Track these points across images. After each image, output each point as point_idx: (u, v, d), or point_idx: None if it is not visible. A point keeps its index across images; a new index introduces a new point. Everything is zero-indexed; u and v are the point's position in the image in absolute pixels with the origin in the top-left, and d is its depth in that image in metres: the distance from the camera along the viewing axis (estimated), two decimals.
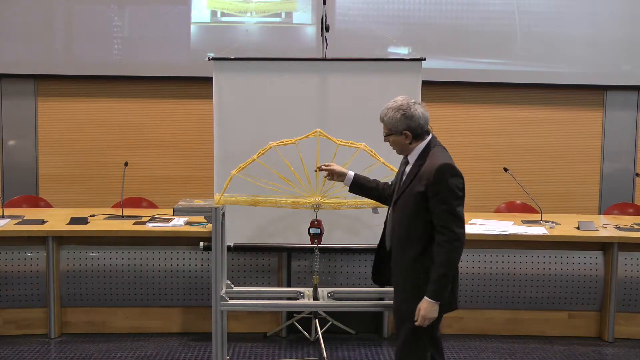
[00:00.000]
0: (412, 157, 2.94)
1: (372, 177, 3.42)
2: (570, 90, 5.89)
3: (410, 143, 2.91)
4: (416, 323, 2.81)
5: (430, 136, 2.94)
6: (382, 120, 2.94)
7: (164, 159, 5.85)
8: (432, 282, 2.78)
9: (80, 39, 5.70)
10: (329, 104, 4.18)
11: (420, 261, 2.85)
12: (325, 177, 3.32)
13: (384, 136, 2.97)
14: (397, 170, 3.38)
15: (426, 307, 2.78)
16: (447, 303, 2.88)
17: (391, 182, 3.21)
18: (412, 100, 2.91)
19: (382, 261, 3.13)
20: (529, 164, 5.88)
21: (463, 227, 2.81)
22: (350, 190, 3.27)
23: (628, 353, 4.30)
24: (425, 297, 2.79)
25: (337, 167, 3.25)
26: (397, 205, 2.94)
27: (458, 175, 2.81)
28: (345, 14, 5.65)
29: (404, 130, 2.89)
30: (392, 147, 3.00)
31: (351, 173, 3.23)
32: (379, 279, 3.17)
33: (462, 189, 2.82)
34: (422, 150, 2.92)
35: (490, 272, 4.46)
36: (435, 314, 2.80)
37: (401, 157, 3.16)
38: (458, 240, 2.78)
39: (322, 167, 3.28)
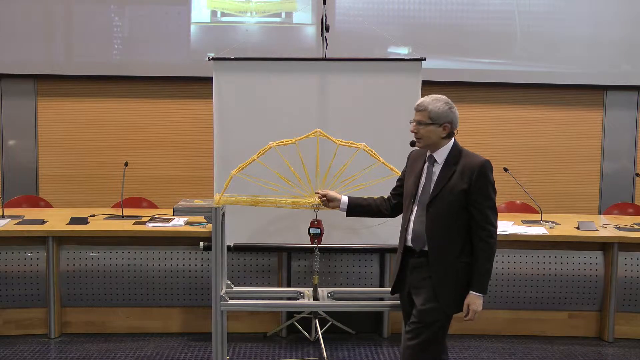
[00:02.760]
0: (441, 156, 2.95)
1: (371, 177, 3.43)
2: (570, 90, 5.89)
3: (443, 138, 2.94)
4: (466, 318, 2.86)
5: (454, 138, 3.01)
6: (424, 108, 2.92)
7: (164, 159, 5.85)
8: (480, 276, 2.86)
9: (80, 39, 5.70)
10: (329, 104, 4.18)
11: (459, 260, 2.89)
12: (321, 203, 3.31)
13: (421, 124, 2.92)
14: (396, 170, 3.39)
15: (476, 302, 2.85)
16: (460, 303, 2.90)
17: (398, 180, 3.20)
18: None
19: (405, 268, 3.06)
20: (529, 164, 5.88)
21: (494, 232, 2.92)
22: (347, 215, 3.26)
23: (628, 353, 4.30)
24: (473, 292, 2.86)
25: (331, 193, 3.26)
26: (434, 204, 2.90)
27: (491, 171, 2.95)
28: (345, 14, 5.65)
29: (446, 123, 2.92)
30: (417, 138, 2.96)
31: (345, 198, 3.22)
32: (401, 287, 3.08)
33: (494, 187, 2.95)
34: (451, 149, 2.96)
35: None
36: (481, 307, 2.88)
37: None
38: (496, 234, 2.90)
39: (318, 192, 3.30)
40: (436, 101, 2.93)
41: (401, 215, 3.10)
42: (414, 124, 2.96)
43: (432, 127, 2.93)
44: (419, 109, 2.95)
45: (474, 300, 2.86)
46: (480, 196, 2.87)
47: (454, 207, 2.88)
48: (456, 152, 2.97)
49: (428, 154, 3.01)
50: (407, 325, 3.01)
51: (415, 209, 2.97)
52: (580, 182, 5.99)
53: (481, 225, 2.86)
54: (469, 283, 2.87)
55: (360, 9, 5.67)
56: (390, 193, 3.24)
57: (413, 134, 2.98)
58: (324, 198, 3.25)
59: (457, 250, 2.90)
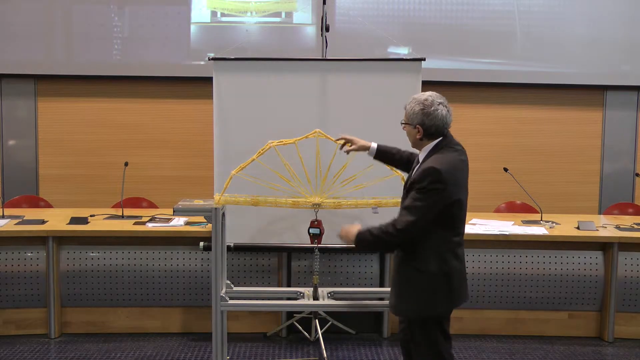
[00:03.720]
0: (421, 156, 2.92)
1: (371, 177, 3.43)
2: (570, 90, 5.89)
3: (421, 139, 2.89)
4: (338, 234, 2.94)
5: (441, 138, 2.88)
6: (405, 107, 2.94)
7: (164, 159, 5.85)
8: (369, 232, 2.83)
9: (80, 39, 5.70)
10: (329, 104, 4.18)
11: (409, 265, 2.83)
12: (342, 148, 3.33)
13: (401, 123, 2.96)
14: (396, 170, 3.39)
15: (351, 230, 2.89)
16: (450, 299, 2.85)
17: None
18: (440, 100, 2.86)
19: None
20: (529, 164, 5.88)
21: (408, 231, 2.74)
22: (375, 158, 3.31)
23: (628, 353, 4.30)
24: (359, 229, 2.87)
25: (356, 139, 3.29)
26: (402, 204, 2.92)
27: (441, 182, 2.71)
28: (345, 14, 5.65)
29: (417, 124, 2.86)
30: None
31: (374, 145, 3.26)
32: None
33: (438, 198, 2.73)
34: (429, 151, 2.87)
35: (490, 272, 4.46)
36: (348, 237, 2.90)
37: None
38: (397, 237, 2.76)
39: (341, 137, 3.32)
40: (412, 101, 2.89)
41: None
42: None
43: (408, 128, 2.92)
44: (404, 110, 2.94)
45: (351, 229, 2.88)
46: (411, 194, 2.79)
47: (429, 223, 2.79)
48: (430, 155, 2.85)
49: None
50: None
51: None
52: (580, 182, 5.98)
53: (399, 216, 2.79)
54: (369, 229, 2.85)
55: (360, 9, 5.67)
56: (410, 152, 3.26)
57: None
58: (345, 142, 3.29)
59: (407, 254, 2.84)
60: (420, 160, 2.90)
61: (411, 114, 2.87)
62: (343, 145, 3.34)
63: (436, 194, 2.72)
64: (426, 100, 2.85)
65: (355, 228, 2.88)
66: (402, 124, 2.95)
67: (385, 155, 3.27)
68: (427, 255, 2.80)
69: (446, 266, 2.80)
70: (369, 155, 3.29)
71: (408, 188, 2.85)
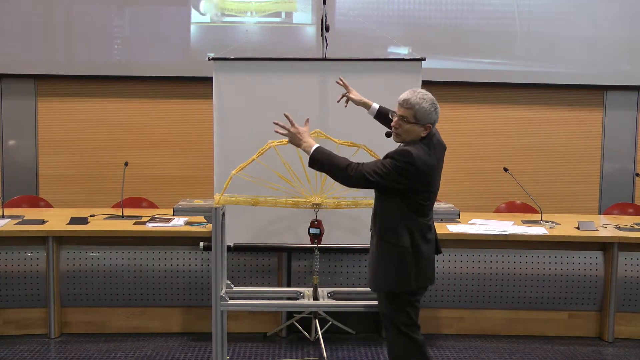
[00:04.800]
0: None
1: None
2: (570, 90, 5.89)
3: (423, 137, 2.94)
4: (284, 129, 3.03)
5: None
6: (411, 106, 2.89)
7: (164, 159, 5.85)
8: (326, 154, 2.93)
9: (80, 39, 5.70)
10: (329, 104, 4.18)
11: (384, 240, 2.97)
12: (339, 100, 3.45)
13: (404, 121, 2.92)
14: None
15: (305, 138, 3.01)
16: (420, 276, 2.98)
17: None
18: None
19: None
20: (529, 164, 5.88)
21: (361, 180, 2.87)
22: (375, 117, 3.41)
23: (628, 353, 4.30)
24: (314, 144, 2.97)
25: (356, 96, 3.40)
26: (377, 192, 3.04)
27: (408, 162, 2.83)
28: (345, 14, 5.65)
29: (429, 123, 2.92)
30: (397, 133, 2.97)
31: (375, 105, 3.36)
32: None
33: (399, 174, 2.84)
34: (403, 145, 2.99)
35: (490, 272, 4.46)
36: (297, 143, 3.02)
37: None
38: (349, 179, 2.88)
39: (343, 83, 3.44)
40: (423, 101, 2.90)
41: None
42: (397, 118, 2.95)
43: (415, 127, 2.92)
44: (406, 106, 2.91)
45: (306, 139, 2.99)
46: (383, 159, 2.90)
47: (381, 189, 2.94)
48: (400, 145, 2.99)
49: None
50: None
51: None
52: (580, 182, 5.99)
53: (357, 164, 2.89)
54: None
55: (360, 9, 5.67)
56: None
57: (392, 126, 2.99)
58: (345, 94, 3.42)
59: (384, 231, 2.98)
60: None
61: (424, 114, 2.90)
62: (342, 97, 3.45)
63: (405, 173, 2.84)
64: (433, 100, 2.93)
65: (312, 141, 2.99)
66: (406, 121, 2.91)
67: (385, 117, 3.32)
68: (401, 231, 2.94)
69: (416, 244, 2.96)
70: (369, 114, 3.40)
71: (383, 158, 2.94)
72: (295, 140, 3.03)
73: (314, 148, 2.95)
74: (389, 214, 2.96)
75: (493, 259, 4.47)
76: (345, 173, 2.88)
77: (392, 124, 2.98)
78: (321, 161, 2.93)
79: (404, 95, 2.93)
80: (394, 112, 3.07)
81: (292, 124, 3.04)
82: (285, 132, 3.04)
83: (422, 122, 2.90)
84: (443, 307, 4.48)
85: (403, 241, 2.94)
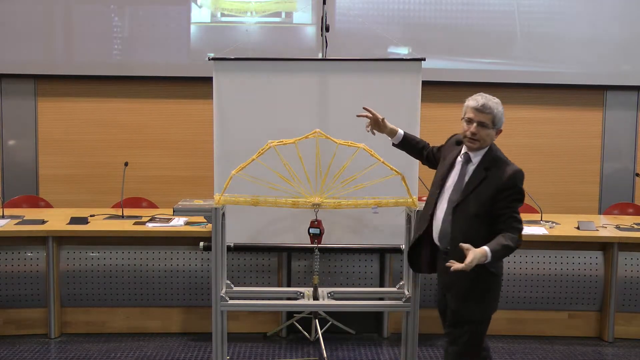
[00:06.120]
0: (477, 157, 2.95)
1: (371, 177, 3.43)
2: (570, 90, 5.89)
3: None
4: (460, 267, 2.70)
5: None
6: (490, 111, 2.89)
7: (164, 159, 5.85)
8: (501, 247, 2.77)
9: (80, 39, 5.70)
10: (329, 104, 4.18)
11: (482, 267, 2.81)
12: (367, 126, 3.29)
13: (483, 127, 2.90)
14: (396, 170, 3.39)
15: (479, 257, 2.72)
16: (495, 305, 3.02)
17: (437, 149, 3.23)
18: None
19: (419, 248, 3.13)
20: (529, 163, 5.84)
21: (520, 237, 2.89)
22: (397, 144, 3.31)
23: (628, 353, 4.30)
24: (487, 251, 2.74)
25: (387, 124, 3.26)
26: (462, 206, 2.90)
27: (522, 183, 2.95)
28: (345, 14, 5.65)
29: (501, 127, 2.94)
30: (474, 139, 2.91)
31: (401, 132, 3.26)
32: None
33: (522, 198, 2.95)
34: (487, 152, 2.95)
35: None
36: (475, 263, 2.73)
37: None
38: (519, 245, 2.86)
39: (366, 109, 3.27)
40: (498, 105, 2.92)
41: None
42: (475, 125, 2.90)
43: (491, 131, 2.92)
44: (485, 111, 2.89)
45: (480, 254, 2.72)
46: (510, 202, 2.86)
47: (480, 213, 2.86)
48: (491, 156, 2.94)
49: (463, 151, 2.99)
50: (445, 327, 3.07)
51: (443, 205, 2.98)
52: (580, 182, 5.98)
53: (511, 226, 2.84)
54: (489, 244, 2.78)
55: (360, 9, 5.67)
56: (431, 148, 3.27)
57: (470, 133, 2.91)
58: (372, 121, 3.25)
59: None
60: (476, 162, 2.94)
61: (500, 118, 2.92)
62: (369, 124, 3.29)
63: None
64: (500, 102, 2.94)
65: (480, 251, 2.74)
66: (485, 126, 2.89)
67: (408, 143, 3.28)
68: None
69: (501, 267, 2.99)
70: (392, 140, 3.30)
71: (499, 189, 2.85)
72: (476, 261, 2.75)
73: (489, 254, 2.76)
74: (487, 239, 2.85)
75: None
76: (516, 247, 2.83)
77: (471, 129, 2.90)
78: (499, 258, 2.86)
79: (481, 101, 2.90)
80: (414, 136, 3.18)
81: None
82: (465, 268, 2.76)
83: (498, 126, 2.92)
84: None
85: (499, 268, 2.96)
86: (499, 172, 2.89)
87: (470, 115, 2.92)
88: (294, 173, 3.47)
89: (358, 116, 3.27)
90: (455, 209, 2.91)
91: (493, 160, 2.93)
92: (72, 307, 4.45)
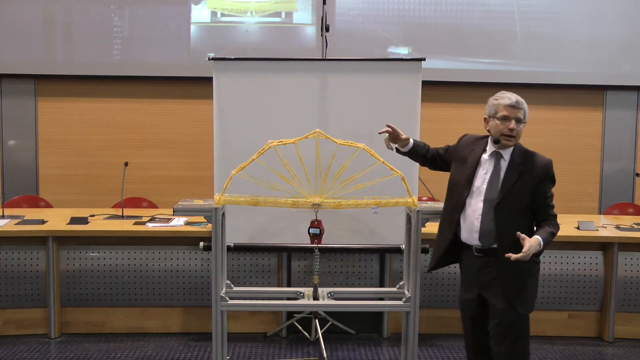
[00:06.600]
0: (507, 152, 3.02)
1: (371, 177, 3.42)
2: (570, 90, 5.89)
3: None
4: (519, 254, 2.79)
5: None
6: (523, 106, 3.03)
7: (164, 159, 5.85)
8: (549, 234, 2.93)
9: (80, 39, 5.70)
10: (329, 104, 4.18)
11: (533, 260, 2.89)
12: (386, 140, 3.26)
13: (521, 123, 3.03)
14: (396, 170, 3.38)
15: (535, 246, 2.82)
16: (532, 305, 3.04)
17: (443, 150, 3.24)
18: None
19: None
20: None
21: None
22: (405, 152, 3.28)
23: (628, 353, 4.30)
24: (540, 239, 2.86)
25: (401, 134, 3.22)
26: (504, 203, 2.93)
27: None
28: (345, 14, 5.65)
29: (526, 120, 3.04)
30: (513, 136, 3.00)
31: (412, 141, 3.25)
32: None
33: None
34: (515, 147, 3.04)
35: None
36: (533, 252, 2.84)
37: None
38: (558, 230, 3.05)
39: (388, 126, 3.22)
40: (522, 100, 3.02)
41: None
42: (513, 122, 2.98)
43: (523, 126, 3.02)
44: (519, 107, 3.00)
45: (535, 243, 2.83)
46: (548, 192, 3.02)
47: (524, 206, 2.95)
48: (520, 150, 3.03)
49: (490, 149, 3.02)
50: (491, 328, 3.05)
51: (476, 205, 2.98)
52: (580, 182, 5.98)
53: (550, 214, 3.02)
54: (538, 232, 2.92)
55: (360, 9, 5.67)
56: (436, 150, 3.26)
57: (509, 130, 2.97)
58: (390, 131, 3.19)
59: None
60: (508, 158, 3.01)
61: (527, 111, 3.04)
62: (389, 139, 3.26)
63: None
64: None
65: (534, 240, 2.86)
66: (522, 122, 3.03)
67: (414, 149, 3.27)
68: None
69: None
70: (401, 149, 3.27)
71: (538, 181, 2.99)
72: (534, 250, 2.87)
73: (541, 242, 2.89)
74: (532, 230, 3.00)
75: None
76: (556, 232, 3.00)
77: (511, 126, 2.97)
78: (547, 245, 2.93)
79: (514, 97, 2.99)
80: (419, 141, 3.21)
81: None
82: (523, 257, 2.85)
83: (526, 119, 3.03)
84: (443, 307, 4.48)
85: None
86: (533, 164, 2.99)
87: (504, 112, 2.97)
88: (294, 173, 3.47)
89: (380, 133, 3.23)
90: (498, 206, 2.94)
91: (523, 154, 3.02)
92: (72, 307, 4.45)
